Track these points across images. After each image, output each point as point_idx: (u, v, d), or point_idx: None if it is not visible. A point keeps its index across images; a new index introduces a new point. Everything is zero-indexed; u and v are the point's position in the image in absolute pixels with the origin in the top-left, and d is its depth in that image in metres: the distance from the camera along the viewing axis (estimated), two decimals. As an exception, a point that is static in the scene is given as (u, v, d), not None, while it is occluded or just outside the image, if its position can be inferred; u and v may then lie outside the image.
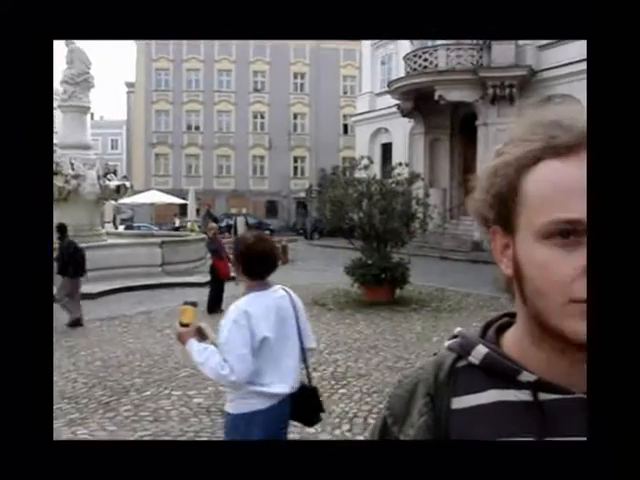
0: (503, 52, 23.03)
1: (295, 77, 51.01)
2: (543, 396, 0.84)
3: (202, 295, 11.70)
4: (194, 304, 3.24)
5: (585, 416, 0.82)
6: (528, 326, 0.86)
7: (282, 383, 3.18)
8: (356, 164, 14.24)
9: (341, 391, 6.74)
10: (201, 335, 3.14)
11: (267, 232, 36.94)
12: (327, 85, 49.79)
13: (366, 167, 13.61)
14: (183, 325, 3.12)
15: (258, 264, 3.22)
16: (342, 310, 11.63)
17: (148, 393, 6.67)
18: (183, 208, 36.16)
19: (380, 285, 11.94)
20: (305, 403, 3.37)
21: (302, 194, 46.26)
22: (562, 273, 0.76)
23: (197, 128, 50.07)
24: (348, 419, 5.90)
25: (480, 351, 0.90)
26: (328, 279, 15.54)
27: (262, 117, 50.63)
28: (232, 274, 12.47)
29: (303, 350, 3.37)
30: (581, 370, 0.83)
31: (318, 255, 24.41)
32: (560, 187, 0.78)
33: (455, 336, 0.97)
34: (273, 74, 49.89)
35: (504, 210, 0.84)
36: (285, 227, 44.48)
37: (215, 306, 11.46)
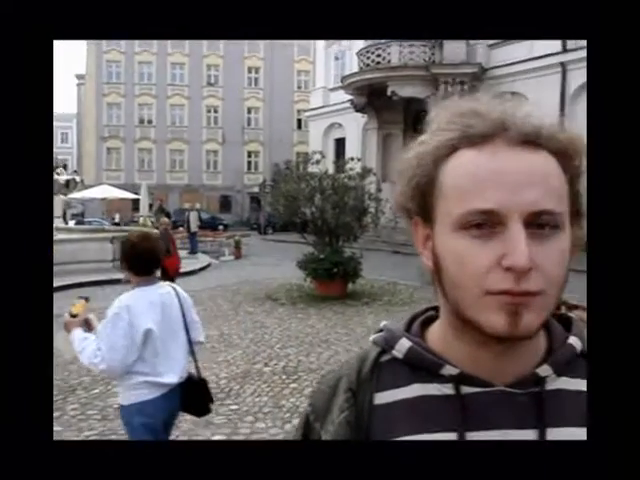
0: (454, 49, 23.31)
1: (249, 71, 50.68)
2: (465, 389, 0.84)
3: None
4: (86, 299, 3.49)
5: (505, 408, 0.83)
6: (450, 319, 0.85)
7: (171, 373, 3.37)
8: (309, 159, 14.25)
9: (292, 385, 6.75)
10: (88, 326, 3.36)
11: (221, 227, 36.80)
12: (281, 80, 49.61)
13: (318, 162, 13.63)
14: (72, 316, 3.34)
15: (142, 261, 3.43)
16: (294, 305, 11.63)
17: (96, 391, 6.56)
18: (136, 203, 35.57)
19: (332, 279, 11.99)
20: (194, 394, 3.56)
21: (256, 189, 46.02)
22: (477, 264, 0.75)
23: (150, 122, 49.34)
24: (299, 413, 5.91)
25: (404, 345, 0.89)
26: (281, 274, 15.51)
27: (216, 111, 50.17)
28: (180, 270, 12.40)
29: (191, 343, 3.56)
30: (503, 363, 0.84)
31: (271, 250, 24.35)
32: (474, 177, 0.77)
33: (381, 330, 0.95)
34: (227, 68, 49.46)
35: (423, 201, 0.83)
36: (239, 222, 44.19)
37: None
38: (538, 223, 0.75)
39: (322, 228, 12.76)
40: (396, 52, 24.31)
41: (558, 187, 0.78)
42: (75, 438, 5.23)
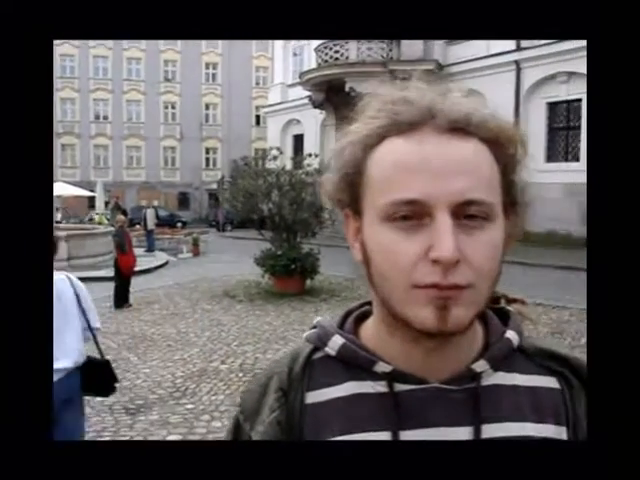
0: (411, 46, 23.45)
1: (207, 67, 50.16)
2: (399, 387, 0.82)
3: (110, 290, 11.39)
4: None
5: (440, 406, 0.81)
6: (382, 315, 0.82)
7: (66, 359, 3.49)
8: (266, 155, 14.20)
9: (249, 383, 6.70)
10: None
11: (179, 224, 36.40)
12: (239, 76, 49.24)
13: (275, 158, 13.58)
14: None
15: None
16: (252, 301, 11.57)
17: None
18: (92, 201, 34.99)
19: (290, 276, 11.95)
20: (95, 376, 3.72)
21: (214, 186, 45.60)
22: (404, 257, 0.72)
23: (105, 118, 48.39)
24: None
25: (336, 342, 0.87)
26: (239, 270, 15.41)
27: (173, 107, 49.53)
28: (136, 268, 12.20)
29: (91, 329, 3.77)
30: (437, 359, 0.82)
31: (230, 247, 24.15)
32: (400, 166, 0.74)
33: (315, 327, 0.93)
34: (184, 64, 48.86)
35: (352, 192, 0.80)
36: (198, 219, 43.82)
37: (121, 301, 11.15)
38: (467, 214, 0.73)
39: (280, 224, 12.71)
40: (354, 48, 24.37)
41: (488, 176, 0.75)
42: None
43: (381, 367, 0.82)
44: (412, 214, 0.73)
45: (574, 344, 7.93)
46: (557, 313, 9.70)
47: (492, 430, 0.81)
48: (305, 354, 0.89)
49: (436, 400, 0.81)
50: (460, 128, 0.74)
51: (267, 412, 0.86)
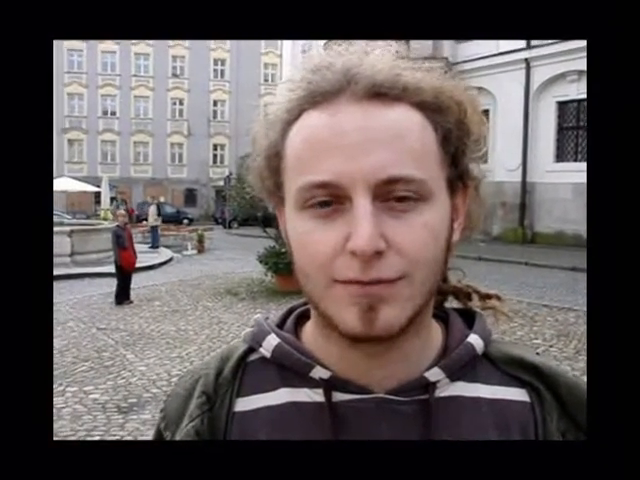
0: (421, 44, 23.28)
1: (215, 63, 50.24)
2: (338, 396, 0.70)
3: (113, 286, 11.36)
4: None
5: (385, 420, 0.69)
6: (315, 314, 0.72)
7: None
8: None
9: (246, 383, 6.59)
10: None
11: (185, 221, 36.45)
12: (248, 72, 49.25)
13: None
14: None
15: None
16: (254, 300, 11.45)
17: None
18: (98, 196, 35.06)
19: (293, 274, 11.78)
20: None
21: (221, 182, 45.67)
22: (321, 250, 0.62)
23: (113, 113, 48.53)
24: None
25: (271, 342, 0.75)
26: (244, 268, 15.36)
27: (181, 103, 49.63)
28: (136, 265, 12.15)
29: None
30: (382, 365, 0.70)
31: (236, 244, 24.10)
32: (310, 144, 0.63)
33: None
34: (193, 60, 48.95)
35: (276, 179, 0.69)
36: (204, 216, 43.84)
37: (122, 297, 11.06)
38: (396, 194, 0.61)
39: (283, 221, 12.60)
40: (363, 45, 24.24)
41: (419, 148, 0.63)
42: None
43: (318, 372, 0.71)
44: (331, 199, 0.62)
45: (579, 347, 7.76)
46: (563, 315, 9.52)
47: None
48: (238, 355, 0.78)
49: (380, 413, 0.70)
50: (383, 93, 0.64)
51: (186, 420, 0.75)
